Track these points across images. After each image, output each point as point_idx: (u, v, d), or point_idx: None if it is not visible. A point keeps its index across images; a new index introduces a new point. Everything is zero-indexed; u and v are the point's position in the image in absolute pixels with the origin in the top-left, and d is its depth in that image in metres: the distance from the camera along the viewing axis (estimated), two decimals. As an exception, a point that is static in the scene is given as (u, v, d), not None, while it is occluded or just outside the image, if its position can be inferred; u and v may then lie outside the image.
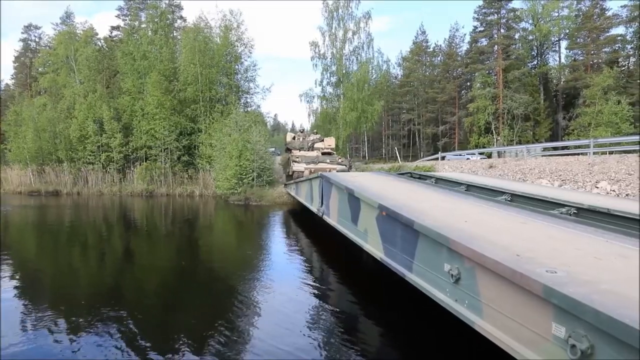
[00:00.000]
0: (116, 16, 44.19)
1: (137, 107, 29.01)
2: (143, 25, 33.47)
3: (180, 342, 4.95)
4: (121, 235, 13.76)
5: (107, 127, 28.68)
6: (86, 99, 29.73)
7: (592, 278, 2.46)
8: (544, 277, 2.44)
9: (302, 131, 23.34)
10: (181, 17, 39.73)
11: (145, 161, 28.73)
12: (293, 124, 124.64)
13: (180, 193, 26.22)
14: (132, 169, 29.23)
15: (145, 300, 6.77)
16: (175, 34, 35.47)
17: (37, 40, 53.08)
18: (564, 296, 2.21)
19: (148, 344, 4.91)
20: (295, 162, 18.40)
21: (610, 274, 2.55)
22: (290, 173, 18.61)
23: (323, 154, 19.74)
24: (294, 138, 21.64)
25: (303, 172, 17.52)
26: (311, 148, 20.47)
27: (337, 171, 17.02)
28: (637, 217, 4.28)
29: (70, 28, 35.16)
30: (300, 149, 20.29)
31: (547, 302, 2.35)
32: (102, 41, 38.84)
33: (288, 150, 21.27)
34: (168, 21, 33.97)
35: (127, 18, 41.22)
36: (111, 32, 43.85)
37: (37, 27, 53.07)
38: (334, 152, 21.07)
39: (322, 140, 21.33)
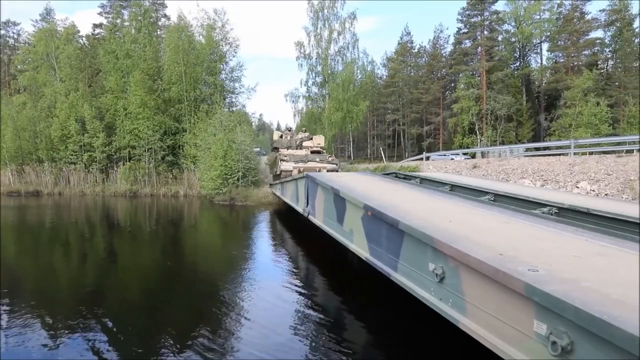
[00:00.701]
0: (98, 14, 43.57)
1: (120, 107, 28.61)
2: (126, 24, 33.02)
3: (165, 343, 4.90)
4: (104, 235, 13.56)
5: (90, 127, 28.21)
6: (68, 98, 29.19)
7: (572, 276, 2.52)
8: (526, 275, 2.49)
9: (290, 130, 22.69)
10: (165, 16, 39.35)
11: (129, 161, 28.35)
12: (278, 124, 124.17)
13: (164, 193, 25.94)
14: (115, 169, 28.78)
15: (129, 301, 6.68)
16: (159, 33, 35.10)
17: (15, 37, 52.02)
18: (545, 294, 2.25)
19: (131, 346, 4.86)
20: (283, 160, 17.70)
21: (590, 272, 2.61)
22: (278, 172, 17.90)
23: (312, 152, 19.12)
24: (281, 137, 20.96)
25: (291, 171, 16.88)
26: (299, 146, 19.83)
27: (328, 170, 16.82)
28: (633, 220, 4.36)
29: (51, 25, 34.49)
30: (288, 148, 19.60)
31: (529, 300, 2.39)
32: (84, 39, 38.23)
33: (275, 149, 20.54)
34: (152, 19, 33.60)
35: (109, 16, 40.60)
36: (93, 30, 43.18)
37: (15, 24, 52.04)
38: (324, 151, 20.43)
39: (311, 139, 20.63)
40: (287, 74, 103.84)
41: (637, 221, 4.07)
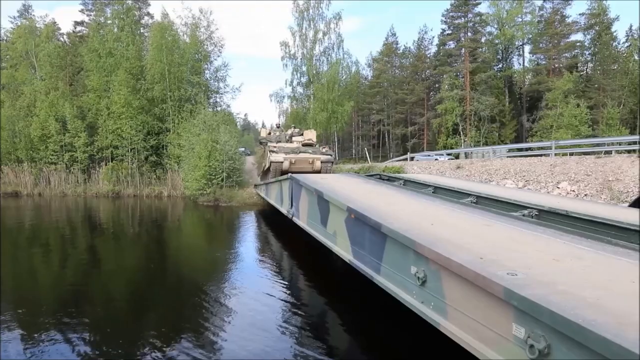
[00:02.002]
0: (80, 11, 42.80)
1: (102, 106, 28.17)
2: (109, 22, 32.53)
3: (149, 346, 4.85)
4: (86, 237, 13.35)
5: (71, 126, 27.74)
6: (48, 97, 28.62)
7: (550, 279, 2.56)
8: (505, 279, 2.53)
9: (279, 126, 21.63)
10: (148, 14, 38.88)
11: (112, 161, 27.93)
12: (263, 124, 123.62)
13: (148, 194, 25.65)
14: (97, 169, 28.34)
15: (112, 304, 6.59)
16: (142, 31, 34.66)
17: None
18: (522, 298, 2.29)
19: (114, 349, 4.79)
20: (273, 152, 16.26)
21: (566, 275, 2.66)
22: (267, 166, 16.62)
23: (304, 145, 17.69)
24: (269, 133, 19.81)
25: (282, 162, 15.72)
26: (290, 141, 18.47)
27: (322, 162, 16.21)
28: (608, 222, 4.46)
29: (30, 22, 33.77)
30: (277, 142, 18.16)
31: (507, 304, 2.42)
32: (64, 37, 37.54)
33: (262, 144, 19.37)
34: (135, 18, 33.17)
35: (91, 13, 39.94)
36: (75, 28, 42.45)
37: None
38: (316, 144, 18.96)
39: (302, 134, 19.41)
40: (272, 74, 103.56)
41: (635, 228, 4.12)
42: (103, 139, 28.12)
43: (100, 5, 35.15)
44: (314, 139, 19.02)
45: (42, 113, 28.08)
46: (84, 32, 38.92)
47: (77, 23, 42.82)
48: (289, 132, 19.49)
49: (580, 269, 2.82)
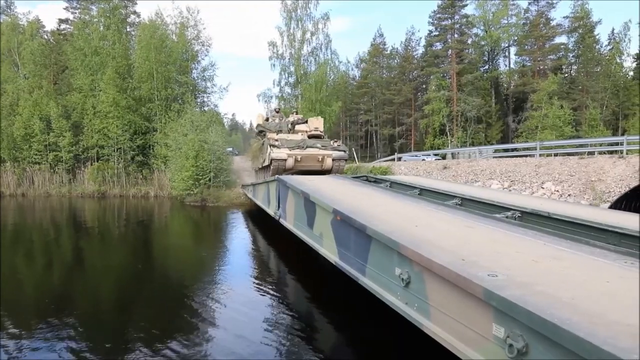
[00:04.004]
0: (64, 8, 42.15)
1: (88, 105, 27.83)
2: (95, 20, 32.14)
3: (136, 349, 4.83)
4: (71, 237, 13.21)
5: (55, 126, 27.35)
6: (31, 95, 28.21)
7: (528, 280, 2.63)
8: (485, 280, 2.59)
9: (278, 111, 18.45)
10: (135, 12, 38.47)
11: (97, 161, 27.64)
12: (251, 124, 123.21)
13: (134, 194, 25.47)
14: (82, 169, 28.02)
15: (98, 306, 6.54)
16: (129, 30, 34.32)
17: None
18: (502, 299, 2.35)
19: (101, 353, 4.77)
20: (274, 146, 13.57)
21: (544, 276, 2.73)
22: (267, 163, 14.10)
23: (310, 137, 14.87)
24: (267, 119, 16.88)
25: (285, 160, 13.17)
26: (292, 130, 15.61)
27: (334, 159, 13.71)
28: (586, 224, 4.57)
29: (13, 19, 33.21)
30: (277, 132, 15.25)
31: (487, 304, 2.49)
32: (48, 34, 36.98)
33: (260, 134, 16.44)
34: (122, 16, 32.83)
35: (76, 11, 39.41)
36: (59, 25, 41.80)
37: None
38: (324, 136, 16.21)
39: (306, 122, 16.57)
40: (260, 73, 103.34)
41: (634, 234, 4.21)
42: (89, 138, 27.80)
43: (85, 3, 34.73)
44: (322, 129, 16.06)
45: (25, 112, 27.63)
46: (69, 30, 38.35)
47: (61, 21, 42.23)
48: (291, 118, 16.49)
49: (559, 270, 2.90)
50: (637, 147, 18.05)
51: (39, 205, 22.26)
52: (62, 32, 39.88)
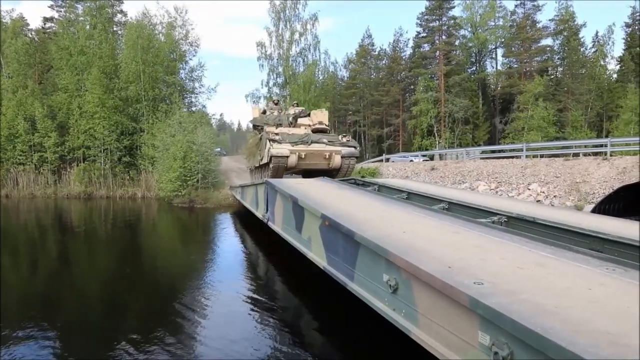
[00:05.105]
0: (49, 7, 41.48)
1: (74, 105, 27.49)
2: (80, 18, 31.74)
3: (124, 353, 4.79)
4: (56, 240, 13.03)
5: (40, 126, 26.99)
6: (15, 95, 27.81)
7: (513, 288, 2.68)
8: (471, 288, 2.63)
9: (277, 103, 16.93)
10: (121, 12, 38.04)
11: (83, 162, 27.32)
12: (239, 123, 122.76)
13: (121, 195, 25.25)
14: (68, 170, 27.70)
15: (84, 311, 6.46)
16: (115, 29, 33.96)
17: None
18: (487, 307, 2.39)
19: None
20: (274, 141, 11.92)
21: (529, 284, 2.78)
22: (265, 161, 12.68)
23: (314, 131, 13.30)
24: (264, 112, 15.42)
25: (287, 157, 11.64)
26: (293, 124, 14.15)
27: (343, 157, 12.22)
28: (570, 229, 4.65)
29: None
30: (277, 126, 13.73)
31: (473, 312, 2.53)
32: (33, 33, 36.45)
33: (257, 128, 15.07)
34: (108, 15, 32.49)
35: (62, 9, 38.83)
36: (44, 24, 41.12)
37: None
38: (330, 130, 14.89)
39: (308, 115, 14.87)
40: (248, 73, 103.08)
41: (616, 239, 4.28)
42: (74, 139, 27.50)
43: (71, 1, 34.26)
44: (327, 123, 14.50)
45: (9, 112, 27.25)
46: (54, 28, 37.78)
47: (46, 19, 41.54)
48: (291, 111, 15.02)
49: (543, 277, 2.95)
50: (621, 149, 18.37)
51: (24, 206, 21.94)
52: (47, 30, 39.26)
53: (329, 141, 12.34)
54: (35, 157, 27.32)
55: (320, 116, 14.34)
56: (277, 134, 12.27)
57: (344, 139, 12.77)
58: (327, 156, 12.06)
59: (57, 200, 24.55)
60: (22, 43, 30.48)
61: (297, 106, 15.74)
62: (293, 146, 11.74)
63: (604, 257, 3.40)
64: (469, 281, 2.75)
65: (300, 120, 14.21)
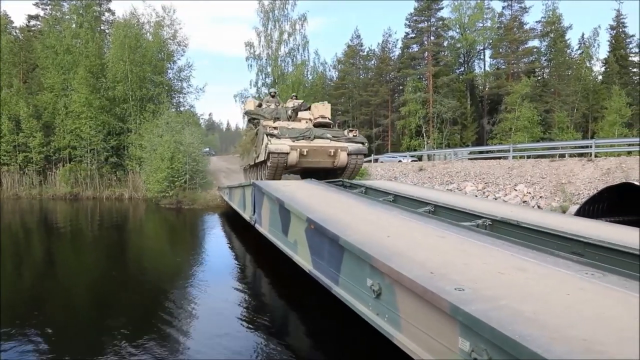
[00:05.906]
0: (34, 4, 40.88)
1: (60, 105, 27.13)
2: (67, 17, 31.33)
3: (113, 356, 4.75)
4: (41, 241, 12.85)
5: (25, 126, 26.56)
6: (-1, 94, 27.38)
7: (494, 294, 2.70)
8: (452, 295, 2.65)
9: (274, 95, 15.52)
10: (109, 10, 37.65)
11: (69, 162, 26.96)
12: (228, 123, 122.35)
13: (108, 196, 24.97)
14: (54, 170, 27.31)
15: (70, 316, 6.38)
16: (102, 28, 33.60)
17: None
18: (466, 314, 2.41)
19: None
20: (272, 136, 10.85)
21: (509, 290, 2.81)
22: (262, 159, 11.56)
23: (316, 125, 12.27)
24: (259, 105, 14.36)
25: (287, 154, 10.57)
26: (293, 118, 13.12)
27: (350, 154, 11.18)
28: (553, 232, 4.70)
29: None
30: (275, 120, 12.61)
31: (454, 318, 2.55)
32: (17, 31, 35.90)
33: (252, 121, 13.90)
34: (95, 14, 32.12)
35: (47, 7, 38.29)
36: (29, 22, 40.53)
37: None
38: (333, 124, 13.77)
39: (309, 109, 13.63)
40: (237, 72, 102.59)
41: (597, 243, 4.33)
42: (60, 139, 27.10)
43: (56, -1, 33.83)
44: (329, 116, 13.22)
45: (-8, 112, 26.78)
46: (39, 26, 37.26)
47: (30, 17, 40.93)
48: (290, 104, 13.91)
49: (523, 282, 2.98)
50: (605, 150, 18.64)
51: (7, 207, 21.61)
52: (32, 28, 38.71)
53: (333, 136, 11.36)
54: (20, 157, 26.86)
55: (322, 110, 13.00)
56: (275, 127, 11.20)
57: (351, 134, 11.73)
58: (332, 153, 11.03)
59: (43, 201, 24.21)
60: (7, 41, 29.96)
61: (296, 99, 14.72)
62: (294, 142, 10.70)
63: (584, 262, 3.45)
64: (450, 287, 2.77)
65: (300, 114, 13.19)
